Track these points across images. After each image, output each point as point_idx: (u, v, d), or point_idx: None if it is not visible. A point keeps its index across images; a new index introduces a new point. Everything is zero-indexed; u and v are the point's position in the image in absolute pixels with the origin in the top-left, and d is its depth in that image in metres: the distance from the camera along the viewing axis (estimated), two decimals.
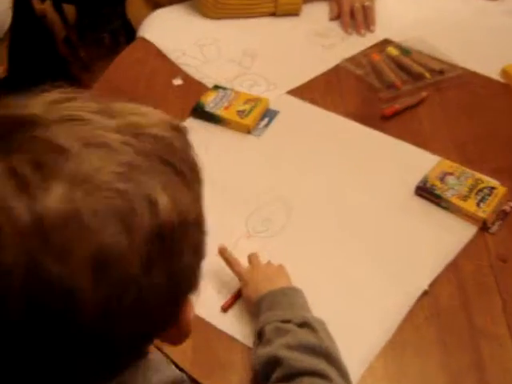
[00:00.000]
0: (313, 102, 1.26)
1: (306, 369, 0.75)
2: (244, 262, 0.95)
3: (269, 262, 0.94)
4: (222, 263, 0.95)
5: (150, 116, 0.48)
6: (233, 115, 1.21)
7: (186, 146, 0.50)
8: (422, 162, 1.10)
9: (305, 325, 0.81)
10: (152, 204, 0.43)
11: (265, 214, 1.05)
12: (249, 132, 1.20)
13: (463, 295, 0.93)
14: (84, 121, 0.44)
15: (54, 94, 0.46)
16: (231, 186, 1.10)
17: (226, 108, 1.23)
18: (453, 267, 0.96)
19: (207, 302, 0.92)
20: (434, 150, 1.14)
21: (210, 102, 1.24)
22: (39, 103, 0.45)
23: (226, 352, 0.88)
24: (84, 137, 0.43)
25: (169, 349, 0.81)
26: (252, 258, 0.95)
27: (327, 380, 0.74)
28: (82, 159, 0.42)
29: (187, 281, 0.49)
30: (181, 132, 0.50)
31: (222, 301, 0.93)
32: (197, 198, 0.50)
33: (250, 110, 1.21)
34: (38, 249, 0.40)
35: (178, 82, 1.32)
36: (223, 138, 1.20)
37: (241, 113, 1.21)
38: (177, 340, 0.57)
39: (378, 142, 1.17)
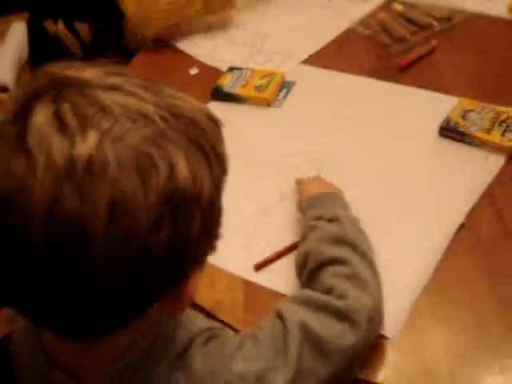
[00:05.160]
0: (326, 67, 1.28)
1: (329, 258, 0.77)
2: (280, 227, 0.97)
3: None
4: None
5: (189, 102, 0.53)
6: (251, 91, 1.24)
7: (218, 136, 0.54)
8: (443, 105, 1.11)
9: (334, 219, 0.83)
10: (171, 169, 0.47)
11: (296, 176, 1.07)
12: (269, 105, 1.22)
13: (502, 221, 0.93)
14: (128, 92, 0.49)
15: (108, 67, 0.52)
16: (259, 159, 1.11)
17: (244, 86, 1.25)
18: (487, 198, 0.97)
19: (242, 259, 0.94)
20: (452, 93, 1.15)
21: (227, 83, 1.27)
22: (94, 71, 0.50)
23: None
24: (124, 104, 0.48)
25: (221, 313, 0.86)
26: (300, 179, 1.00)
27: (348, 266, 0.75)
28: (118, 120, 0.47)
29: (193, 253, 0.51)
30: (215, 123, 0.54)
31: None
32: (216, 183, 0.52)
33: (268, 84, 1.24)
34: (64, 186, 0.44)
35: (194, 71, 1.35)
36: (245, 114, 1.22)
37: (258, 88, 1.24)
38: (173, 309, 0.58)
39: (397, 94, 1.19)
